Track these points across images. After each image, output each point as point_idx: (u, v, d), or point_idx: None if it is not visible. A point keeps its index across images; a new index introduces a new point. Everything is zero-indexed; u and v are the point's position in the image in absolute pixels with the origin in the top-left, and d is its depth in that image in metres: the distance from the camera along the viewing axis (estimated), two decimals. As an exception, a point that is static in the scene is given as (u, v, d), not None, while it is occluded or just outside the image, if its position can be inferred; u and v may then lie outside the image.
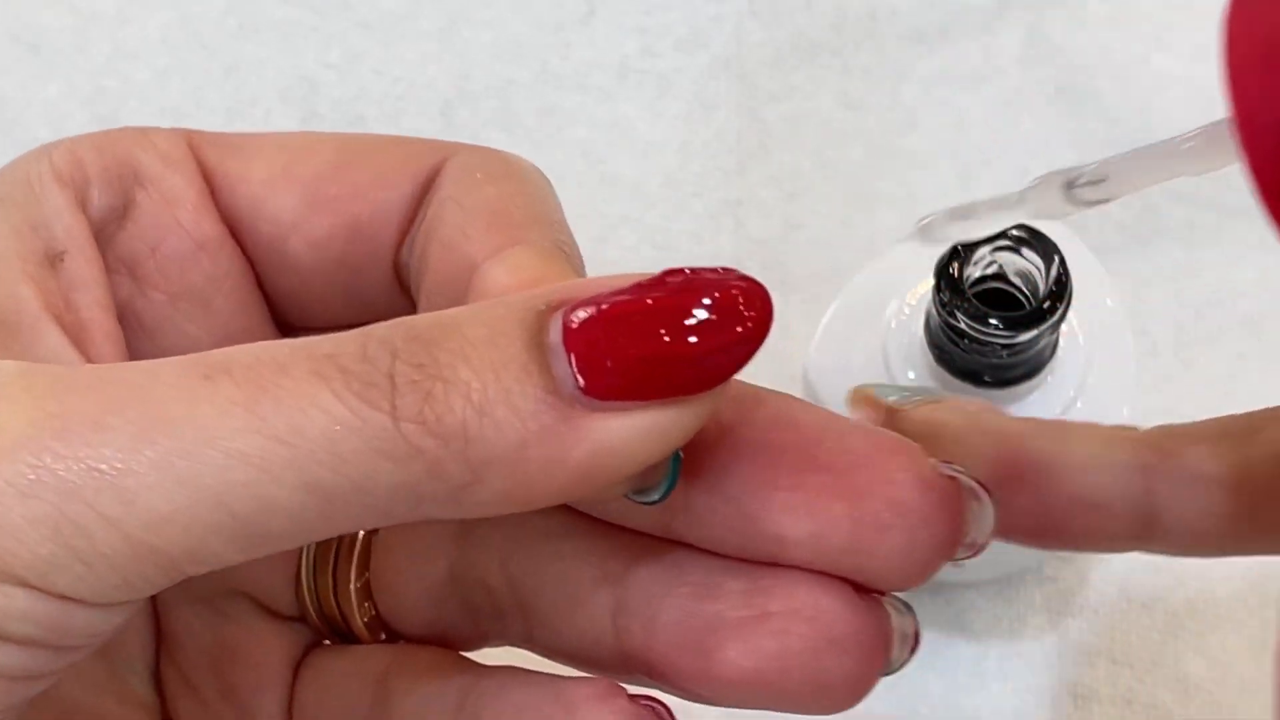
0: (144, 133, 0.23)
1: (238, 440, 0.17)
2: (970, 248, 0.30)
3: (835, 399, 0.36)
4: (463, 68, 0.48)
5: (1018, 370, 0.31)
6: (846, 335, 0.34)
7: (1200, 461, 0.22)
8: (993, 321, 0.29)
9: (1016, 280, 0.30)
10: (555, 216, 0.22)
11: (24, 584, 0.17)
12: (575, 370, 0.17)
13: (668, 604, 0.21)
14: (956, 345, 0.30)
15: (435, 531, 0.24)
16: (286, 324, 0.24)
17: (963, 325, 0.29)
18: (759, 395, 0.21)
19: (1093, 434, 0.23)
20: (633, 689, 0.21)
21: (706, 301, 0.18)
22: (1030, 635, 0.39)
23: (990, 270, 0.30)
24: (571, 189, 0.49)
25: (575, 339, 0.18)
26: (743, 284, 0.18)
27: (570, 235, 0.22)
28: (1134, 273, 0.43)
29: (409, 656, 0.24)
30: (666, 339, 0.17)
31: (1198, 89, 0.42)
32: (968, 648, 0.39)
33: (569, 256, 0.22)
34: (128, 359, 0.22)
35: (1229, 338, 0.42)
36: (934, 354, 0.32)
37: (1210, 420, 0.23)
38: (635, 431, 0.18)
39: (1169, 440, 0.23)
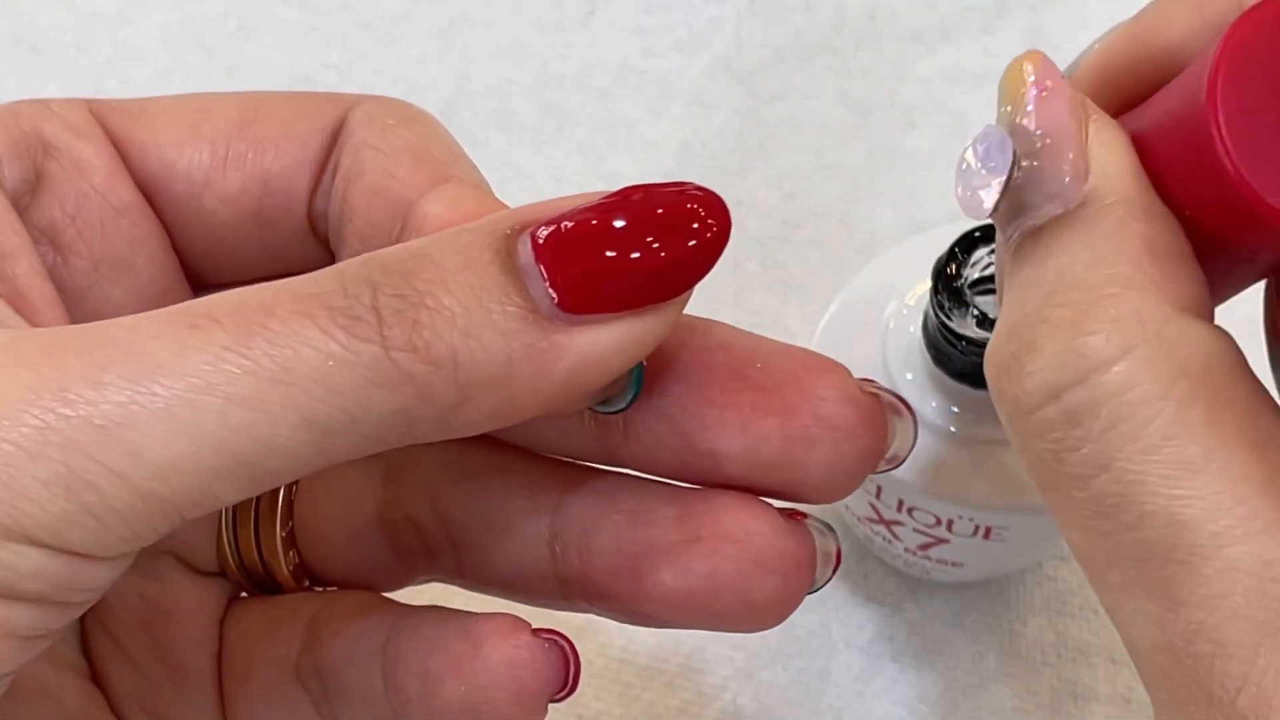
0: (45, 104, 0.23)
1: (234, 384, 0.18)
2: (968, 249, 0.30)
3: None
4: (463, 68, 0.48)
5: (1017, 371, 0.31)
6: (845, 335, 0.34)
7: None
8: (990, 323, 0.29)
9: (1015, 281, 0.30)
10: (467, 156, 0.23)
11: (37, 543, 0.17)
12: (550, 288, 0.18)
13: (603, 530, 0.22)
14: (954, 347, 0.30)
15: (361, 475, 0.25)
16: (202, 283, 0.25)
17: (959, 327, 0.29)
18: (691, 322, 0.22)
19: None
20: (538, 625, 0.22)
21: (667, 208, 0.19)
22: (1030, 635, 0.39)
23: (988, 272, 0.30)
24: (571, 189, 0.49)
25: (546, 257, 0.18)
26: (700, 194, 0.19)
27: (479, 172, 0.23)
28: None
29: (335, 601, 0.25)
30: (632, 251, 0.18)
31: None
32: (968, 648, 0.39)
33: (491, 192, 0.22)
34: (69, 324, 0.22)
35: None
36: (931, 355, 0.32)
37: None
38: (612, 342, 0.19)
39: None
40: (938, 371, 0.32)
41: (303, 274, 0.23)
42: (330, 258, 0.24)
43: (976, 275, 0.30)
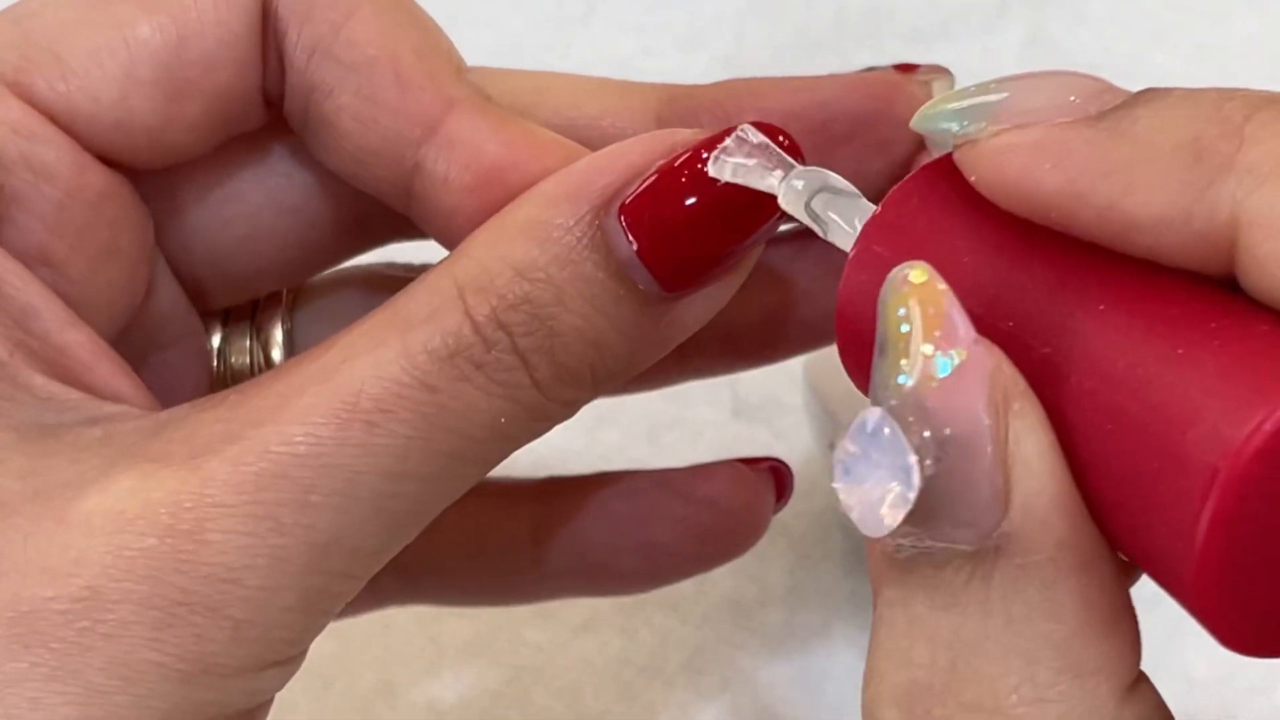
0: None
1: (424, 464, 0.19)
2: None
3: (836, 398, 0.36)
4: (462, 67, 0.48)
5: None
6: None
7: None
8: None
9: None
10: (428, 26, 0.23)
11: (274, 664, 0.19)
12: (653, 276, 0.20)
13: None
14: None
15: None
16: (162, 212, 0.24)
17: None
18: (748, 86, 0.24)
19: None
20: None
21: (723, 191, 0.20)
22: (1031, 635, 0.39)
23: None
24: (571, 189, 0.49)
25: (645, 251, 0.19)
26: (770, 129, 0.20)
27: (447, 40, 0.23)
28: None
29: None
30: (719, 229, 0.20)
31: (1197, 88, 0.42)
32: (968, 648, 0.39)
33: (495, 103, 0.22)
34: (116, 361, 0.22)
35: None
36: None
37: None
38: (710, 304, 0.20)
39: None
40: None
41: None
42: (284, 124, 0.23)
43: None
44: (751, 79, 0.24)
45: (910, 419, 0.14)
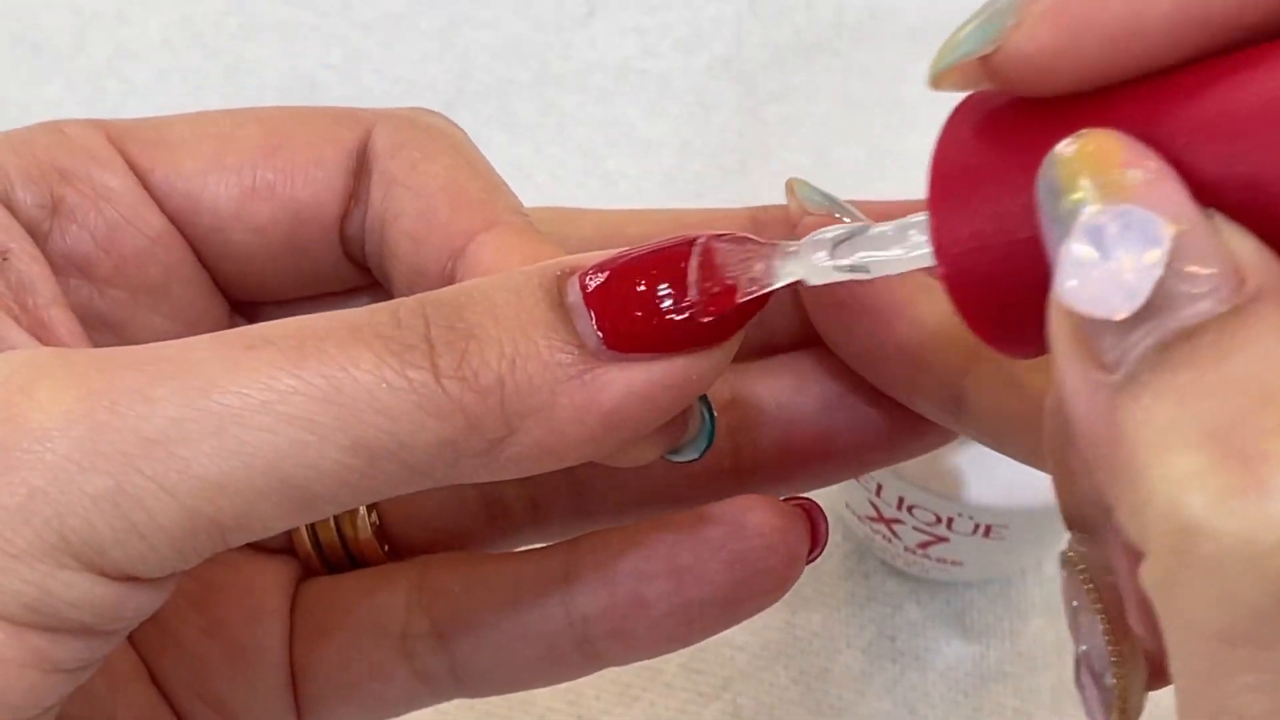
0: (59, 130, 0.23)
1: (286, 403, 0.18)
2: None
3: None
4: (463, 68, 0.48)
5: (1018, 370, 0.31)
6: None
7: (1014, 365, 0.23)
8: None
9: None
10: (499, 180, 0.23)
11: (84, 563, 0.17)
12: (597, 328, 0.19)
13: (808, 394, 0.24)
14: (956, 345, 0.30)
15: None
16: (237, 301, 0.25)
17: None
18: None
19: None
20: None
21: (716, 262, 0.19)
22: (1030, 635, 0.39)
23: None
24: (571, 189, 0.49)
25: (594, 300, 0.19)
26: (746, 243, 0.19)
27: (515, 195, 0.23)
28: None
29: (445, 561, 0.24)
30: (681, 301, 0.19)
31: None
32: (968, 648, 0.39)
33: (538, 229, 0.22)
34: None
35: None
36: (934, 354, 0.32)
37: None
38: (658, 378, 0.19)
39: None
40: (938, 371, 0.32)
41: (339, 290, 0.23)
42: (367, 276, 0.24)
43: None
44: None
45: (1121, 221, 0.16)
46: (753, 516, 0.22)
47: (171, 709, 0.24)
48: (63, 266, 0.22)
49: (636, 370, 0.19)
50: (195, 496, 0.17)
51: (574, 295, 0.19)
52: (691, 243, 0.19)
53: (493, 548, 0.25)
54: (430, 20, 0.49)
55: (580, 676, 0.24)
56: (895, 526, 0.35)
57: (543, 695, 0.38)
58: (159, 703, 0.24)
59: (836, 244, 0.19)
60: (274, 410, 0.18)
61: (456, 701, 0.40)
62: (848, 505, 0.37)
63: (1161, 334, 0.16)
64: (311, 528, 0.25)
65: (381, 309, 0.19)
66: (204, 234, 0.23)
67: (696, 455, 0.21)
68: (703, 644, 0.39)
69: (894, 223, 0.19)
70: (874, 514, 0.36)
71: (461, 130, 0.24)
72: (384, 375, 0.18)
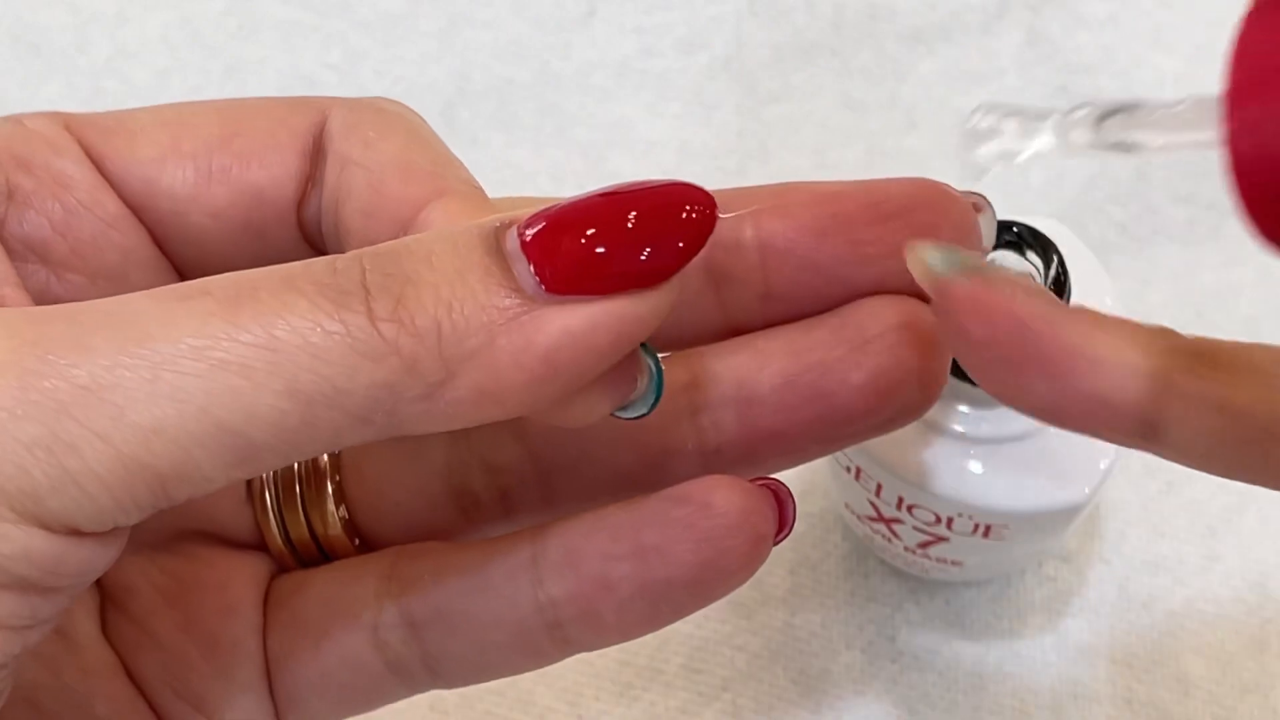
0: (17, 120, 0.23)
1: (220, 349, 0.18)
2: (970, 248, 0.30)
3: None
4: (463, 68, 0.48)
5: (1017, 370, 0.31)
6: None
7: (1217, 387, 0.22)
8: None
9: (1016, 280, 0.30)
10: (452, 156, 0.23)
11: (20, 513, 0.17)
12: (534, 272, 0.19)
13: (765, 376, 0.24)
14: (956, 345, 0.30)
15: None
16: None
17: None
18: (794, 186, 0.24)
19: (1123, 332, 0.23)
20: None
21: (652, 200, 0.19)
22: (1030, 635, 0.39)
23: (990, 270, 0.30)
24: (571, 189, 0.49)
25: (531, 246, 0.19)
26: (684, 187, 0.20)
27: (468, 170, 0.23)
28: (1134, 272, 0.43)
29: (413, 551, 0.24)
30: (618, 242, 0.19)
31: (1197, 89, 0.42)
32: (968, 648, 0.39)
33: (488, 198, 0.23)
34: None
35: (1229, 338, 0.42)
36: (934, 354, 0.32)
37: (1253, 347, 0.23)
38: (597, 319, 0.19)
39: (1197, 362, 0.23)
40: (938, 370, 0.32)
41: None
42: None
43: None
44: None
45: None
46: (719, 496, 0.22)
47: (149, 706, 0.24)
48: (19, 252, 0.22)
49: (574, 312, 0.19)
50: (131, 443, 0.17)
51: (512, 243, 0.19)
52: (629, 190, 0.19)
53: (464, 541, 0.25)
54: (430, 20, 0.49)
55: (552, 663, 0.24)
56: (895, 526, 0.35)
57: (542, 695, 0.38)
58: (136, 698, 0.24)
59: (1103, 118, 0.19)
60: (208, 356, 0.18)
61: (457, 701, 0.40)
62: (847, 505, 0.37)
63: None
64: (282, 524, 0.25)
65: (317, 261, 0.19)
66: (162, 219, 0.24)
67: (646, 410, 0.22)
68: (703, 644, 0.39)
69: (1176, 104, 0.19)
70: (874, 514, 0.36)
71: (419, 115, 0.24)
72: (318, 320, 0.18)
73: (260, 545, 0.26)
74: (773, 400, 0.24)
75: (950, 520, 0.33)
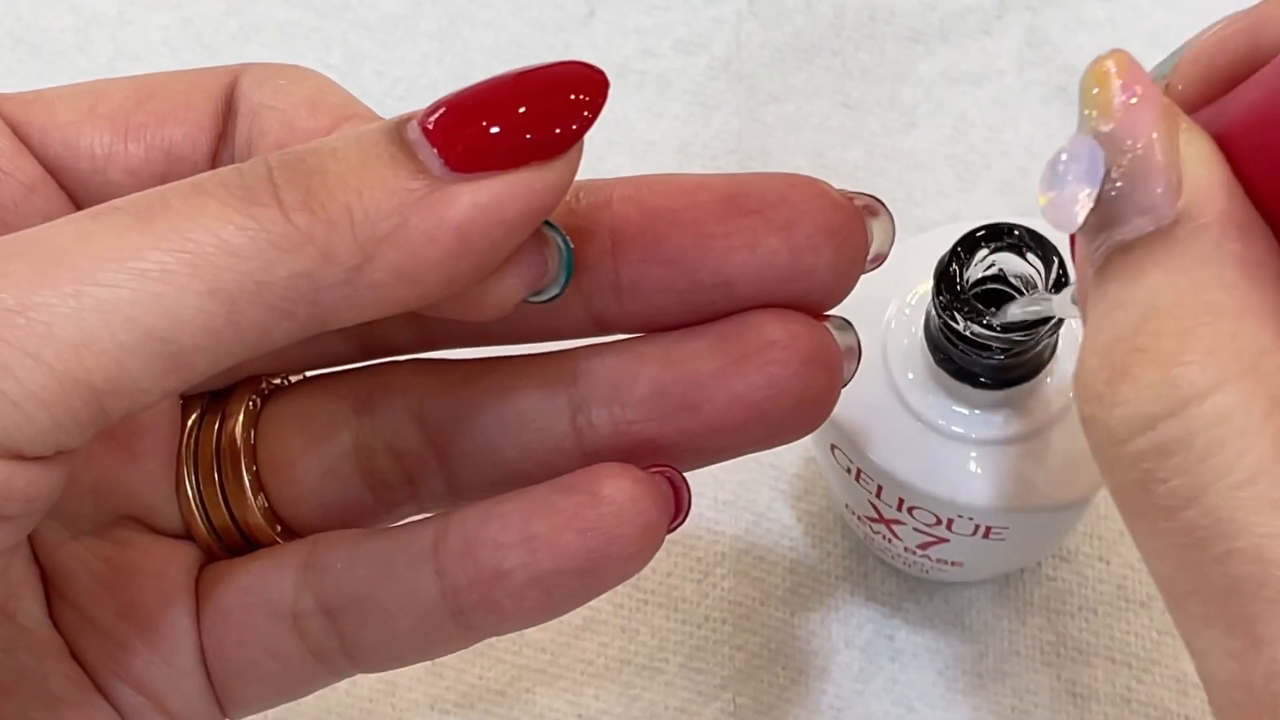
0: None
1: (138, 258, 0.18)
2: (970, 249, 0.30)
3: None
4: (463, 68, 0.48)
5: (1017, 372, 0.31)
6: (846, 336, 0.34)
7: None
8: (991, 323, 0.29)
9: (1016, 282, 0.30)
10: (363, 103, 0.24)
11: None
12: (438, 154, 0.20)
13: (638, 383, 0.24)
14: (955, 346, 0.30)
15: (329, 408, 0.25)
16: None
17: (961, 327, 0.29)
18: (662, 177, 0.24)
19: None
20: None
21: (543, 79, 0.20)
22: (1030, 635, 0.39)
23: (990, 271, 0.30)
24: (571, 189, 0.49)
25: (433, 133, 0.20)
26: (575, 65, 0.21)
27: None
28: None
29: (329, 539, 0.25)
30: (514, 117, 0.20)
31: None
32: (967, 648, 0.39)
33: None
34: None
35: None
36: (933, 355, 0.32)
37: None
38: (502, 189, 0.20)
39: None
40: (939, 371, 0.32)
41: None
42: None
43: (979, 275, 0.30)
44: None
45: (1100, 135, 0.19)
46: (607, 485, 0.22)
47: (95, 687, 0.24)
48: None
49: (481, 187, 0.20)
50: (62, 359, 0.18)
51: (414, 133, 0.20)
52: (521, 72, 0.20)
53: (379, 524, 0.26)
54: (430, 20, 0.49)
55: (462, 648, 0.24)
56: (895, 527, 0.35)
57: (542, 694, 0.38)
58: (83, 678, 0.24)
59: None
60: (127, 267, 0.18)
61: (456, 701, 0.40)
62: (848, 506, 0.37)
63: (1108, 246, 0.19)
64: (205, 513, 0.26)
65: (224, 168, 0.20)
66: (82, 179, 0.24)
67: (558, 290, 0.22)
68: (703, 643, 0.39)
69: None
70: (874, 515, 0.36)
71: (327, 76, 0.25)
72: (230, 218, 0.19)
73: (189, 535, 0.26)
74: (643, 407, 0.24)
75: (950, 521, 0.34)
